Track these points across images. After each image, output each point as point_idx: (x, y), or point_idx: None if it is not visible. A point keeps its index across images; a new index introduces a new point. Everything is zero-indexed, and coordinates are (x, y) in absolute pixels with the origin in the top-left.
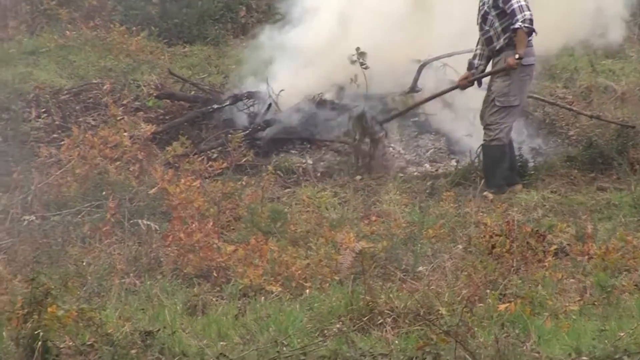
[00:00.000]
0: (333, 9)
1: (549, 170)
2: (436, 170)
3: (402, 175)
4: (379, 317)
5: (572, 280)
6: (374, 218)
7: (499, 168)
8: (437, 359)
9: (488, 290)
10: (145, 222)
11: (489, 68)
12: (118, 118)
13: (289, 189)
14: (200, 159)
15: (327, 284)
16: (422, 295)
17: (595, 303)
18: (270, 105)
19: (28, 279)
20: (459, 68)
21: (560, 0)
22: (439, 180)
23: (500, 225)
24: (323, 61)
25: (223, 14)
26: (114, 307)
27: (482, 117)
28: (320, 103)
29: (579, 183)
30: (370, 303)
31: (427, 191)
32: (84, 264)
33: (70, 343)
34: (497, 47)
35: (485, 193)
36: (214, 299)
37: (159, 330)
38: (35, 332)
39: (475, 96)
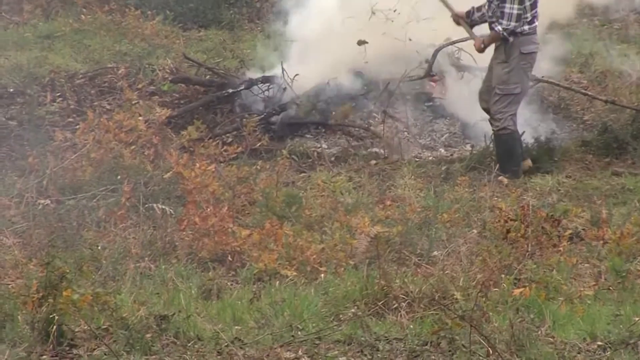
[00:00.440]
0: None
1: (563, 154)
2: (451, 154)
3: (417, 159)
4: (394, 302)
5: (586, 265)
6: (388, 202)
7: (512, 154)
8: (452, 343)
9: (503, 275)
10: (160, 206)
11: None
12: (133, 102)
13: (303, 174)
14: (215, 143)
15: (342, 269)
16: (436, 280)
17: (610, 288)
18: (285, 89)
19: (43, 263)
20: (474, 53)
21: None
22: (454, 164)
23: (515, 210)
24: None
25: None
26: (128, 291)
27: (480, 96)
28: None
29: (594, 168)
30: (385, 287)
31: (442, 176)
32: (99, 248)
33: (85, 327)
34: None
35: (500, 178)
36: (228, 283)
37: (173, 314)
38: (50, 316)
39: None
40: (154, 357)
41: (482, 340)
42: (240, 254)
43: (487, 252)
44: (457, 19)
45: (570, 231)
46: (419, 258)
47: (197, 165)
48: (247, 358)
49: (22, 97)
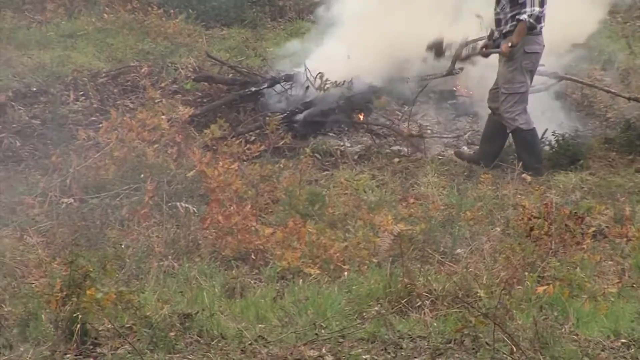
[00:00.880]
0: None
1: (587, 152)
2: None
3: (440, 157)
4: (417, 300)
5: (610, 262)
6: (412, 200)
7: (532, 151)
8: (476, 341)
9: (526, 273)
10: (183, 204)
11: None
12: (156, 101)
13: (326, 172)
14: (238, 141)
15: (366, 267)
16: (460, 278)
17: (634, 285)
18: (307, 87)
19: (67, 261)
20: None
21: None
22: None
23: (539, 207)
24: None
25: None
26: (152, 289)
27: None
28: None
29: (617, 165)
30: (408, 285)
31: (465, 173)
32: (123, 246)
33: (109, 325)
34: (504, 31)
35: (523, 175)
36: (252, 282)
37: (197, 312)
38: (74, 315)
39: None
40: (177, 355)
41: (505, 338)
42: (263, 252)
43: (510, 249)
44: (485, 52)
45: (593, 228)
46: (442, 256)
47: (220, 163)
48: (270, 356)
49: (45, 96)
